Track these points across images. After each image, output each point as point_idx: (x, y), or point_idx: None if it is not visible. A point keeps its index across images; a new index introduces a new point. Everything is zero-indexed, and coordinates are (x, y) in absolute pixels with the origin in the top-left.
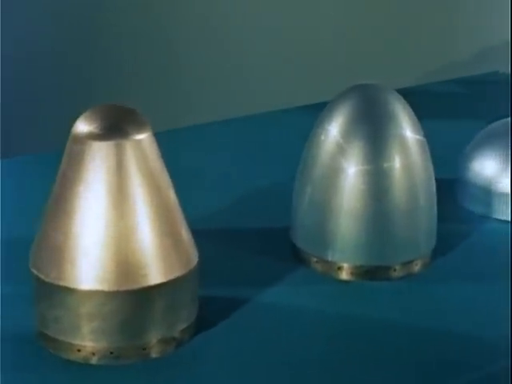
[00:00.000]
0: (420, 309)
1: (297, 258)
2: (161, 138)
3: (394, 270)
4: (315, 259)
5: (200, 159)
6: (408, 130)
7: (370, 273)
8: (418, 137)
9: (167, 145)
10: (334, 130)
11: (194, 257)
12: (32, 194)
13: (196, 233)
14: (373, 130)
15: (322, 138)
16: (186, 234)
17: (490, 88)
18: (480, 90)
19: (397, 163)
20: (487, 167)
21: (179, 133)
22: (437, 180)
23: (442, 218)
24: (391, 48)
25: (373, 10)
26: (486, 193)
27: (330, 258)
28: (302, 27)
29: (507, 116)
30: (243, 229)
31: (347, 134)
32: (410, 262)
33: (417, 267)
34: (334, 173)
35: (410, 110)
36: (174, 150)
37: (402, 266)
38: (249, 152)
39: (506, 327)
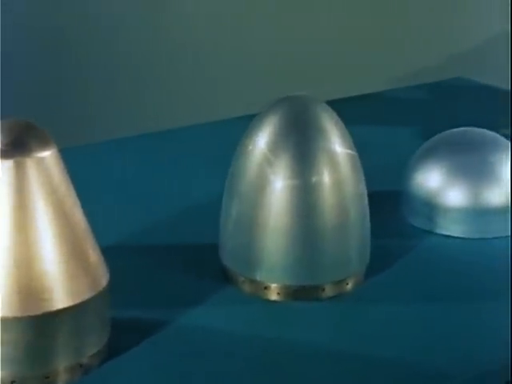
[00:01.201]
0: (347, 331)
1: (225, 276)
2: (97, 149)
3: (323, 289)
4: (242, 278)
5: (138, 171)
6: (337, 144)
7: (298, 293)
8: (348, 151)
9: (104, 156)
10: (261, 141)
11: (102, 278)
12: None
13: (119, 249)
14: (301, 143)
15: (250, 148)
16: (93, 255)
17: (453, 94)
18: (443, 96)
19: (325, 178)
20: (430, 180)
21: (119, 143)
22: (384, 192)
23: (382, 232)
24: (354, 53)
25: (337, 15)
26: (429, 207)
27: (257, 278)
28: (240, 36)
29: (470, 122)
30: (171, 245)
31: (275, 146)
32: (341, 280)
33: (348, 286)
34: (260, 187)
35: (341, 123)
36: (111, 161)
37: (333, 285)
38: (186, 163)
39: (441, 351)
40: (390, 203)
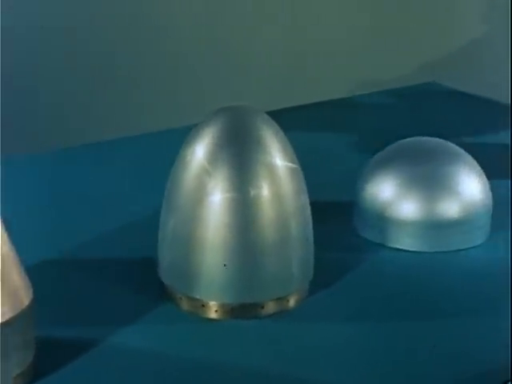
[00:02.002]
0: (284, 351)
1: (163, 293)
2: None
3: (262, 307)
4: (180, 295)
5: (79, 182)
6: (277, 157)
7: (236, 310)
8: (288, 164)
9: (45, 167)
10: (199, 153)
11: (25, 296)
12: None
13: (55, 264)
14: (239, 156)
15: (188, 160)
16: (15, 272)
17: (423, 99)
18: (412, 102)
19: (265, 191)
20: (382, 192)
21: (57, 155)
22: (338, 203)
23: (332, 245)
24: (323, 58)
25: (304, 18)
26: (380, 219)
27: (194, 295)
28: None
29: (435, 129)
30: (109, 259)
31: (213, 158)
32: (282, 298)
33: (290, 303)
34: (197, 200)
35: (283, 135)
36: (51, 173)
37: (273, 302)
38: (129, 175)
39: (384, 376)
40: (342, 215)
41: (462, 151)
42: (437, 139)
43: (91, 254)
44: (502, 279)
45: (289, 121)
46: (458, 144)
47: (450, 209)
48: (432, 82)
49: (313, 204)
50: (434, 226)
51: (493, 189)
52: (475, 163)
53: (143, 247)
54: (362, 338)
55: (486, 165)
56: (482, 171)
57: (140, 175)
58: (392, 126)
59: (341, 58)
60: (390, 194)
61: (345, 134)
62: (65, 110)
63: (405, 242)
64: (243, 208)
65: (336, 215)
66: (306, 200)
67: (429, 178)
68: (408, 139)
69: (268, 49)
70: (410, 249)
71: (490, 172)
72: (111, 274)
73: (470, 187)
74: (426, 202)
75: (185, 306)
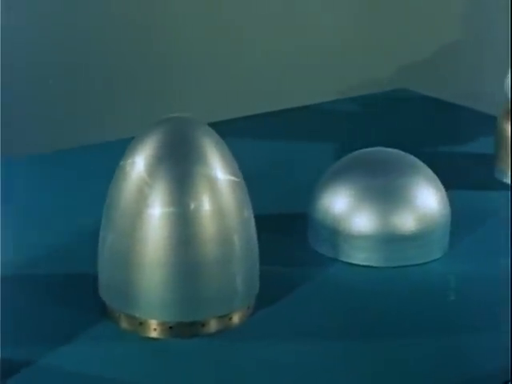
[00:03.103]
0: (228, 372)
1: (103, 311)
2: None
3: (203, 325)
4: (118, 314)
5: (23, 194)
6: (219, 170)
7: (176, 329)
8: (230, 177)
9: None
10: (139, 165)
11: None
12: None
13: None
14: (179, 168)
15: (127, 172)
16: None
17: (396, 106)
18: (385, 108)
19: (205, 205)
20: (335, 204)
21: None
22: (294, 215)
23: (283, 259)
24: (292, 64)
25: (270, 23)
26: (333, 233)
27: (133, 313)
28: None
29: (400, 136)
30: (50, 275)
31: (152, 170)
32: (225, 315)
33: (233, 321)
34: (135, 215)
35: (225, 147)
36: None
37: (216, 320)
38: (76, 187)
39: None
40: (296, 228)
41: (419, 163)
42: (394, 150)
43: (33, 270)
44: (460, 294)
45: (251, 129)
46: (424, 152)
47: (406, 222)
48: (403, 88)
49: (267, 216)
50: (389, 240)
51: (453, 200)
52: (433, 175)
53: (86, 262)
54: (310, 356)
55: (448, 175)
56: (439, 183)
57: (91, 186)
58: (360, 133)
59: (311, 65)
60: (343, 206)
61: (309, 143)
62: None
63: (358, 257)
64: (183, 222)
65: (290, 228)
66: (249, 214)
67: (384, 191)
68: (365, 150)
69: (230, 55)
70: (364, 263)
71: (451, 182)
72: (52, 291)
73: (427, 200)
74: (381, 215)
75: (124, 324)
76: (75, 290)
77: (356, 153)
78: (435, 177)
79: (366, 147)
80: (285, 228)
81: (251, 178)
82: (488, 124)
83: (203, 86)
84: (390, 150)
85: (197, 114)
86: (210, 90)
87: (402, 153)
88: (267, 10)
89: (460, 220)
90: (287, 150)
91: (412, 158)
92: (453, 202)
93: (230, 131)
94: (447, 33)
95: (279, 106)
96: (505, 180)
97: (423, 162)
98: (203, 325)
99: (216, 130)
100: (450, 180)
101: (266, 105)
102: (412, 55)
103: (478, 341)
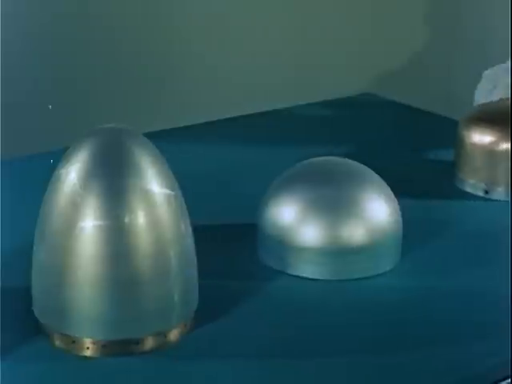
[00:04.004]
0: None
1: (36, 328)
2: None
3: (137, 343)
4: (52, 331)
5: None
6: (154, 182)
7: (108, 347)
8: (166, 190)
9: None
10: (71, 177)
11: None
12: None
13: None
14: (113, 181)
15: (60, 183)
16: None
17: (363, 111)
18: (351, 113)
19: (140, 219)
20: (283, 215)
21: None
22: (244, 226)
23: (229, 272)
24: (257, 68)
25: (238, 26)
26: (281, 245)
27: (66, 331)
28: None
29: (370, 140)
30: None
31: (85, 183)
32: (162, 332)
33: (170, 338)
34: (68, 229)
35: (161, 158)
36: None
37: (152, 337)
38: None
39: None
40: (246, 238)
41: (371, 173)
42: (346, 159)
43: None
44: (408, 309)
45: (209, 135)
46: (385, 159)
47: (355, 234)
48: (370, 93)
49: (217, 227)
50: (337, 253)
51: (410, 210)
52: (385, 185)
53: (21, 276)
54: (250, 377)
55: (407, 183)
56: (391, 193)
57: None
58: (321, 139)
59: (279, 69)
60: (290, 217)
61: (268, 149)
62: None
63: (306, 270)
64: (117, 236)
65: (240, 239)
66: (187, 227)
67: (333, 202)
68: (315, 159)
69: (192, 60)
70: (312, 277)
71: (410, 191)
72: None
73: (377, 211)
74: (329, 227)
75: (58, 342)
76: (8, 305)
77: (305, 162)
78: (387, 187)
79: (326, 154)
80: (234, 239)
81: (203, 186)
82: (454, 130)
83: (166, 90)
84: (340, 159)
85: (152, 121)
86: (169, 95)
87: (354, 162)
88: (229, 14)
89: (415, 231)
90: (244, 156)
91: (363, 167)
92: (409, 212)
93: (190, 137)
94: (415, 38)
95: (240, 111)
96: (465, 189)
97: (382, 169)
98: (137, 343)
99: (172, 135)
100: (409, 189)
101: (226, 110)
102: (380, 60)
103: (427, 357)
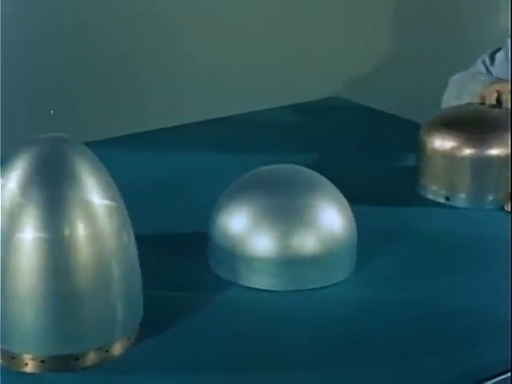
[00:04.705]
0: None
1: None
2: None
3: (77, 358)
4: None
5: None
6: (95, 194)
7: (48, 363)
8: (107, 202)
9: None
10: (10, 187)
11: None
12: None
13: None
14: (52, 192)
15: None
16: None
17: (329, 114)
18: (317, 116)
19: (80, 231)
20: (233, 225)
21: None
22: (197, 235)
23: (179, 283)
24: (220, 71)
25: (197, 29)
26: (231, 255)
27: (5, 347)
28: None
29: (334, 144)
30: None
31: (24, 193)
32: (104, 347)
33: (114, 352)
34: (6, 240)
35: (103, 169)
36: None
37: (94, 352)
38: None
39: None
40: (196, 249)
41: (323, 180)
42: (298, 167)
43: None
44: (361, 320)
45: (166, 141)
46: (346, 164)
47: (307, 244)
48: (336, 96)
49: (168, 236)
50: (289, 263)
51: (367, 217)
52: (337, 192)
53: None
54: None
55: (367, 189)
56: (345, 201)
57: None
58: (283, 144)
59: (242, 73)
60: (241, 227)
61: (227, 155)
62: None
63: (257, 280)
64: (57, 249)
65: (191, 250)
66: (129, 239)
67: (284, 211)
68: (267, 167)
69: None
70: (264, 287)
71: (369, 198)
72: None
73: (330, 220)
74: (280, 236)
75: None
76: None
77: (257, 170)
78: (340, 195)
79: (284, 160)
80: (185, 249)
81: (155, 194)
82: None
83: (115, 96)
84: (293, 166)
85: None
86: (119, 102)
87: (306, 170)
88: (194, 20)
89: (372, 239)
90: (198, 164)
91: (316, 175)
92: (367, 220)
93: (147, 143)
94: (384, 42)
95: (203, 116)
96: (426, 195)
97: (341, 175)
98: (77, 358)
99: (124, 143)
100: (369, 195)
101: (186, 116)
102: (346, 63)
103: (379, 369)
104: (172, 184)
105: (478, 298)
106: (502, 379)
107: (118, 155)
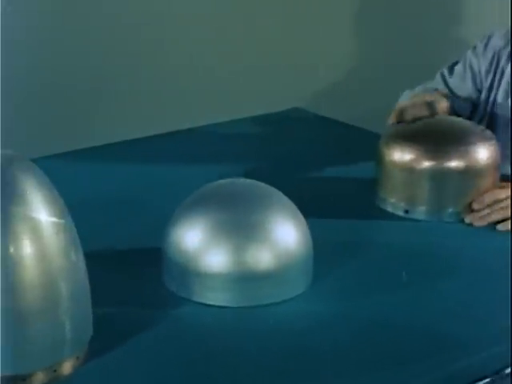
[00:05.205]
0: None
1: None
2: None
3: (23, 379)
4: None
5: None
6: (42, 211)
7: None
8: (54, 219)
9: None
10: None
11: None
12: None
13: None
14: None
15: None
16: None
17: (290, 126)
18: (278, 128)
19: (26, 249)
20: (186, 241)
21: None
22: (152, 250)
23: (133, 301)
24: (183, 83)
25: (160, 45)
26: (185, 271)
27: None
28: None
29: (293, 155)
30: None
31: None
32: (52, 366)
33: (62, 372)
34: None
35: (49, 185)
36: None
37: (42, 373)
38: None
39: None
40: (151, 264)
41: (278, 194)
42: (252, 181)
43: None
44: (316, 336)
45: (128, 154)
46: (304, 178)
47: (261, 259)
48: (297, 107)
49: (122, 252)
50: (243, 279)
51: (326, 231)
52: (293, 206)
53: None
54: None
55: (326, 202)
56: (300, 216)
57: None
58: (241, 157)
59: (202, 84)
60: (194, 242)
61: (184, 168)
62: None
63: (212, 297)
64: (2, 267)
65: (145, 265)
66: (78, 257)
67: (238, 226)
68: (222, 181)
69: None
70: (218, 304)
71: (327, 211)
72: None
73: (285, 234)
74: (234, 252)
75: None
76: None
77: (210, 185)
78: (296, 209)
79: (243, 172)
80: (139, 265)
81: (109, 209)
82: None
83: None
84: (247, 180)
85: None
86: (70, 116)
87: (261, 184)
88: (153, 31)
89: (329, 253)
90: (155, 176)
91: (271, 189)
92: (324, 233)
93: (104, 157)
94: (342, 54)
95: (164, 129)
96: (385, 208)
97: (299, 188)
98: (25, 379)
99: (81, 156)
100: (327, 208)
101: (146, 129)
102: (307, 75)
103: None
104: (126, 198)
105: (434, 311)
106: None
107: (69, 170)
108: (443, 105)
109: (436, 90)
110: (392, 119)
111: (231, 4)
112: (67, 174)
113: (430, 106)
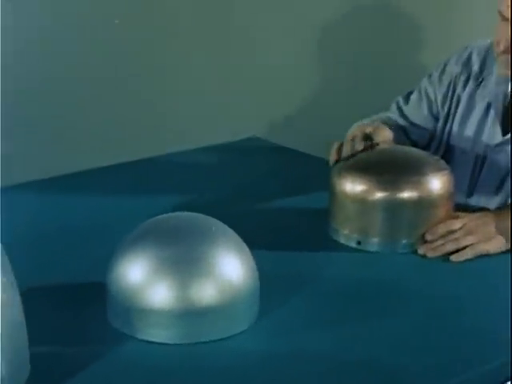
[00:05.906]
0: None
1: None
2: None
3: None
4: None
5: None
6: None
7: None
8: None
9: None
10: None
11: None
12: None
13: None
14: None
15: None
16: None
17: (245, 155)
18: (234, 158)
19: None
20: (129, 277)
21: None
22: (95, 285)
23: (74, 338)
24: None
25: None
26: (128, 308)
27: None
28: None
29: (249, 186)
30: None
31: None
32: None
33: None
34: None
35: None
36: None
37: None
38: None
39: None
40: (94, 301)
41: (224, 228)
42: (198, 215)
43: None
44: (259, 374)
45: (77, 185)
46: (254, 210)
47: (204, 294)
48: (255, 137)
49: (65, 287)
50: (186, 315)
51: (275, 263)
52: (238, 240)
53: None
54: None
55: (276, 234)
56: (246, 249)
57: None
58: (194, 188)
59: (160, 114)
60: (137, 278)
61: (136, 199)
62: None
63: (155, 333)
64: None
65: (88, 302)
66: (13, 297)
67: (181, 261)
68: (164, 215)
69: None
70: (161, 341)
71: (277, 243)
72: None
73: (230, 268)
74: (177, 287)
75: None
76: None
77: (154, 219)
78: (242, 243)
79: (192, 203)
80: (82, 301)
81: (48, 243)
82: None
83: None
84: (191, 214)
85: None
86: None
87: (205, 217)
88: (113, 58)
89: (277, 286)
90: (103, 209)
91: (215, 222)
92: (274, 266)
93: (58, 187)
94: (301, 82)
95: (120, 159)
96: (338, 239)
97: (249, 220)
98: None
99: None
100: (278, 239)
101: (103, 159)
102: (265, 104)
103: None
104: (69, 232)
105: (383, 345)
106: None
107: (14, 203)
108: (385, 134)
109: (389, 118)
110: (332, 157)
111: (186, 35)
112: (9, 207)
113: (368, 137)
